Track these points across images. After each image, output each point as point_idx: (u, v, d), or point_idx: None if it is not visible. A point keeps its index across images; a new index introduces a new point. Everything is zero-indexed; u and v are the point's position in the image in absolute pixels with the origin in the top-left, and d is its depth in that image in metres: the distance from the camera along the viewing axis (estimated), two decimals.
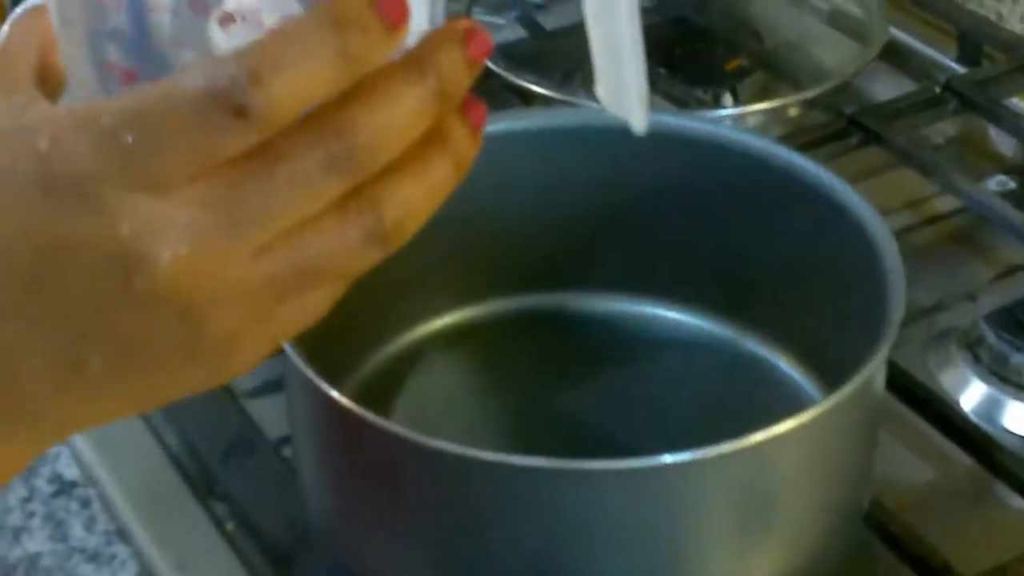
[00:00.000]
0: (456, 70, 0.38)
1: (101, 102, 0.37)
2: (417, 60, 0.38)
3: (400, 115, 0.38)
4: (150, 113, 0.36)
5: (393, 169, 0.38)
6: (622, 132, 0.64)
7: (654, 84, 0.85)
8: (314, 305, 0.39)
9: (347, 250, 0.38)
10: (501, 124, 0.65)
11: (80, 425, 0.40)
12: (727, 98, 0.87)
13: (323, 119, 0.37)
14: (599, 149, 0.64)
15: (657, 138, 0.64)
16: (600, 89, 0.43)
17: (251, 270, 0.37)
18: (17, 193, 0.37)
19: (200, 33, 0.37)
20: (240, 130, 0.36)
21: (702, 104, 0.85)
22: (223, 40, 0.37)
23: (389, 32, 0.37)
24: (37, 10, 0.41)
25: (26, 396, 0.38)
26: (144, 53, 0.38)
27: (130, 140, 0.36)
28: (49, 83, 0.40)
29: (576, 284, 0.67)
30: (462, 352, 0.66)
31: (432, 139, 0.39)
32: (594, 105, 0.78)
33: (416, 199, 0.39)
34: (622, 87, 0.43)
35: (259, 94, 0.36)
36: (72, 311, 0.37)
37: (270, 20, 0.37)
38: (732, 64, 0.89)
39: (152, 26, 0.37)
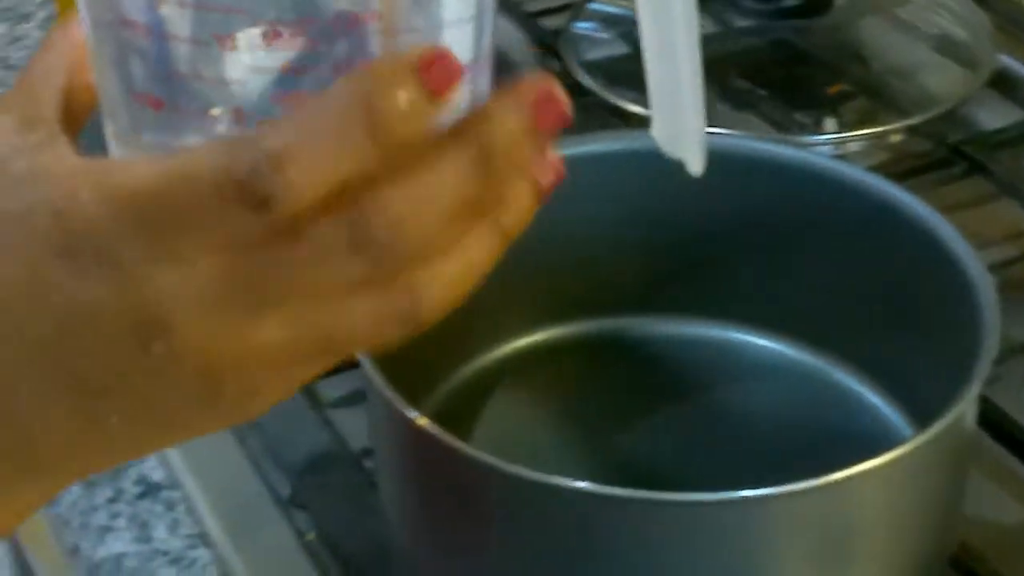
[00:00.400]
0: (509, 141, 0.36)
1: (121, 165, 0.36)
2: (460, 129, 0.35)
3: (433, 192, 0.35)
4: (171, 194, 0.35)
5: (430, 244, 0.36)
6: (714, 157, 0.64)
7: (754, 106, 0.85)
8: (338, 357, 0.38)
9: (375, 328, 0.36)
10: (588, 146, 0.64)
11: (95, 470, 0.40)
12: (828, 123, 0.86)
13: (349, 194, 0.35)
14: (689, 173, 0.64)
15: (750, 163, 0.64)
16: (656, 128, 0.41)
17: (272, 337, 0.36)
18: (30, 248, 0.36)
19: (218, 65, 0.36)
20: (260, 219, 0.34)
21: (802, 128, 0.84)
22: (257, 60, 0.36)
23: (433, 102, 0.34)
24: (71, 25, 0.40)
25: (41, 451, 0.38)
26: (168, 82, 0.37)
27: (150, 216, 0.35)
28: (76, 104, 0.39)
29: (662, 308, 0.66)
30: (544, 374, 0.65)
31: (480, 209, 0.36)
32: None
33: (454, 279, 0.36)
34: (679, 127, 0.41)
35: (279, 183, 0.34)
36: (88, 373, 0.36)
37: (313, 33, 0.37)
38: (834, 88, 0.87)
39: (172, 55, 0.37)
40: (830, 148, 0.81)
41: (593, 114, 0.83)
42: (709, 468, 0.60)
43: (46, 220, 0.36)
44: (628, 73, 0.89)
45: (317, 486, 0.65)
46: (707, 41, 0.99)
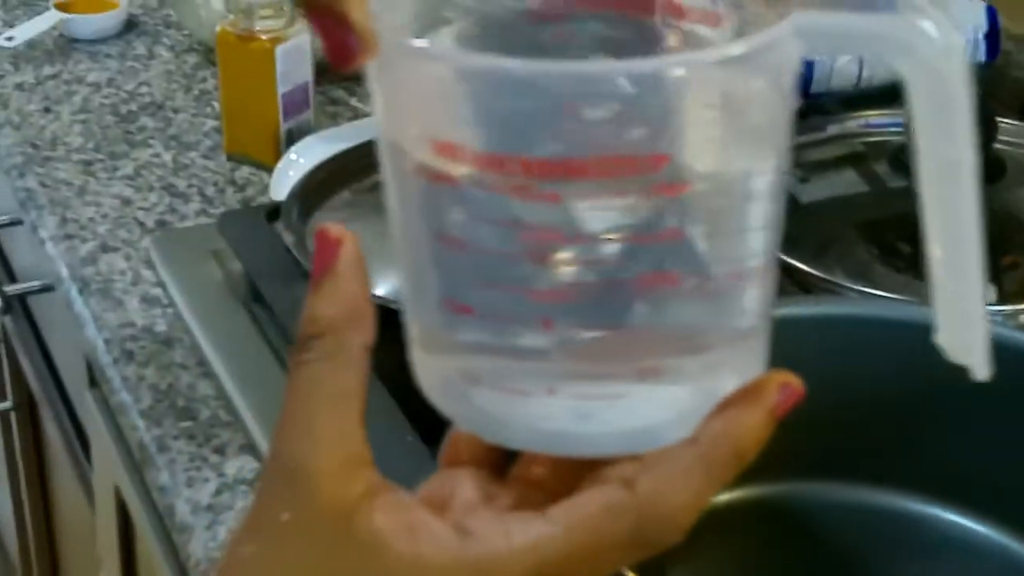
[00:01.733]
0: (758, 441, 0.41)
1: (523, 546, 0.39)
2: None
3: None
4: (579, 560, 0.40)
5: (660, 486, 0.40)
6: (893, 324, 0.63)
7: (916, 269, 0.84)
8: None
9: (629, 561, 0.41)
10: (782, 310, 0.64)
11: None
12: (990, 292, 0.85)
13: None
14: (876, 341, 0.63)
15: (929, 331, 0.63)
16: (942, 336, 0.42)
17: None
18: None
19: (531, 278, 0.39)
20: None
21: None
22: (566, 274, 0.38)
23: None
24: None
25: None
26: (480, 292, 0.39)
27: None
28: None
29: (849, 476, 0.65)
30: (731, 531, 0.64)
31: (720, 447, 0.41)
32: (873, 293, 0.76)
33: (697, 506, 0.40)
34: (967, 337, 0.42)
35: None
36: None
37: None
38: (1009, 260, 0.86)
39: (487, 269, 0.39)
40: (998, 319, 0.80)
41: None
42: None
43: None
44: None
45: None
46: (867, 202, 0.98)
